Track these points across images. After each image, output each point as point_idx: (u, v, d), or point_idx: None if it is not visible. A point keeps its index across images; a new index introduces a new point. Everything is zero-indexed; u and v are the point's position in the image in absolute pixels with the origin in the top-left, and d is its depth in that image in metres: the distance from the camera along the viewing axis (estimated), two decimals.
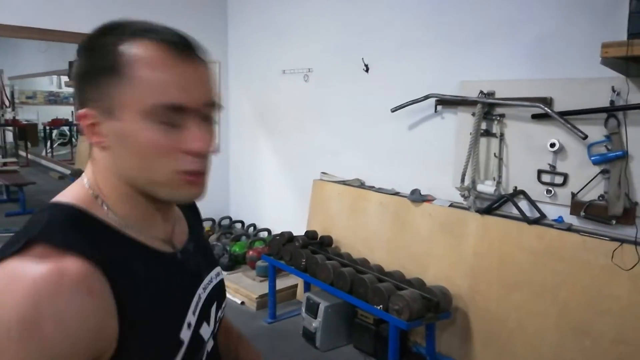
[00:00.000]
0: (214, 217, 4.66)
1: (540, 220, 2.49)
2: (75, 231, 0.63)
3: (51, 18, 3.70)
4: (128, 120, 0.65)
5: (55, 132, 10.39)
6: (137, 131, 0.65)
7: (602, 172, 2.27)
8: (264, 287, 3.61)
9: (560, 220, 2.43)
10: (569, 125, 2.30)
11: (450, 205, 2.86)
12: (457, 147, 2.85)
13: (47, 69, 9.51)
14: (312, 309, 3.08)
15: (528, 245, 2.48)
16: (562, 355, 2.32)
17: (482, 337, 2.65)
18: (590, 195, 2.33)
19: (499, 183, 2.67)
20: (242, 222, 4.70)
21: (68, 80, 7.79)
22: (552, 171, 2.46)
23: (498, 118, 2.65)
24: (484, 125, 2.70)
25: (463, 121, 2.81)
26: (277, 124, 4.24)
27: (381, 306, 2.61)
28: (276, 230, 4.07)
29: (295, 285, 3.77)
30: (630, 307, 2.12)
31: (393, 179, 3.28)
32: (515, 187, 2.61)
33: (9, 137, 10.22)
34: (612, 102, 2.20)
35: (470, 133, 2.71)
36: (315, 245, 3.34)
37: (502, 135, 2.65)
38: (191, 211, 0.89)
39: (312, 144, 3.90)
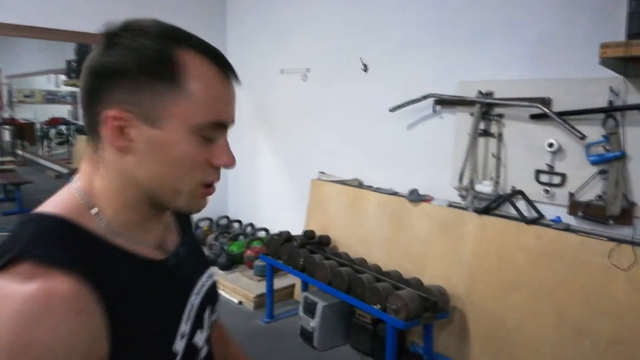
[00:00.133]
0: (211, 216, 4.66)
1: (538, 220, 2.49)
2: (62, 246, 0.60)
3: (51, 17, 3.70)
4: (170, 130, 0.63)
5: (52, 131, 10.36)
6: (177, 143, 0.64)
7: (600, 172, 2.27)
8: (261, 287, 3.60)
9: (558, 220, 2.44)
10: (567, 126, 2.30)
11: (449, 205, 2.86)
12: (455, 147, 2.85)
13: (45, 68, 9.49)
14: (310, 309, 3.08)
15: (526, 246, 2.48)
16: (560, 356, 2.32)
17: (480, 337, 2.65)
18: (588, 195, 2.33)
19: (497, 183, 2.67)
20: (240, 222, 4.70)
21: (66, 79, 7.76)
22: (550, 171, 2.46)
23: (496, 118, 2.65)
24: (482, 125, 2.71)
25: (462, 121, 2.81)
26: (276, 123, 4.23)
27: (379, 306, 2.60)
28: (274, 229, 4.07)
29: (293, 285, 3.77)
30: (628, 307, 2.12)
31: (391, 178, 3.28)
32: (513, 187, 2.62)
33: (7, 136, 10.19)
34: (610, 102, 2.20)
35: (469, 133, 2.71)
36: (313, 244, 3.34)
37: (500, 135, 2.65)
38: (181, 214, 0.86)
39: (311, 144, 3.90)
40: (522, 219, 2.51)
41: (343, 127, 3.62)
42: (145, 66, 0.62)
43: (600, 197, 2.28)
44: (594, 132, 2.27)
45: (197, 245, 0.90)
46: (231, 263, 4.01)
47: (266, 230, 4.36)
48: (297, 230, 3.60)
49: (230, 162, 0.69)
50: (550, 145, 2.42)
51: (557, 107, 2.39)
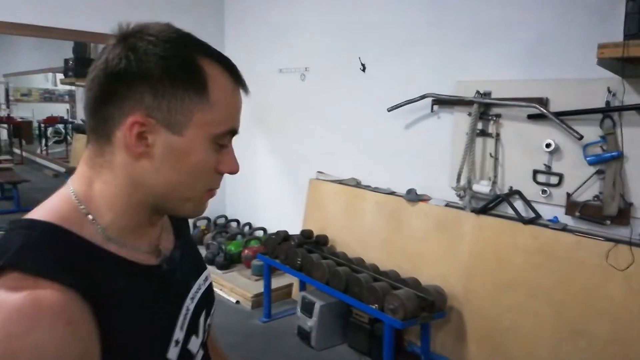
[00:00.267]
0: (209, 216, 4.65)
1: (535, 220, 2.50)
2: (52, 255, 0.59)
3: (48, 15, 3.68)
4: (190, 137, 0.64)
5: (50, 129, 10.34)
6: (196, 150, 0.65)
7: (597, 172, 2.28)
8: (259, 286, 3.60)
9: (555, 220, 2.44)
10: (564, 126, 2.30)
11: (446, 205, 2.87)
12: (453, 146, 2.85)
13: (43, 66, 9.47)
14: (307, 308, 3.08)
15: (523, 245, 2.49)
16: (557, 356, 2.33)
17: (477, 336, 2.65)
18: (585, 195, 2.33)
19: (494, 183, 2.67)
20: (238, 221, 4.69)
21: (64, 77, 7.75)
22: (548, 171, 2.46)
23: (494, 118, 2.65)
24: (480, 125, 2.71)
25: (459, 121, 2.81)
26: (274, 122, 4.23)
27: (376, 305, 2.61)
28: (272, 229, 4.06)
29: (291, 285, 3.76)
30: (625, 307, 2.13)
31: (389, 178, 3.28)
32: (511, 187, 2.62)
33: (4, 134, 10.17)
34: (607, 102, 2.21)
35: (467, 133, 2.71)
36: (311, 244, 3.34)
37: (498, 135, 2.65)
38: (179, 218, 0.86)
39: (309, 143, 3.90)
40: (520, 219, 2.52)
41: (341, 127, 3.62)
42: (172, 73, 0.62)
43: (597, 197, 2.28)
44: (591, 132, 2.28)
45: (193, 248, 0.89)
46: (229, 262, 4.01)
47: (264, 229, 4.36)
48: (294, 229, 3.60)
49: (237, 169, 0.70)
50: (548, 145, 2.43)
51: (554, 107, 2.40)
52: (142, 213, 0.68)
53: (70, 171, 6.53)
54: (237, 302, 3.65)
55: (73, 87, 9.23)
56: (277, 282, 3.67)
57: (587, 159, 2.28)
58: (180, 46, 0.64)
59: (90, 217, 0.65)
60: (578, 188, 2.34)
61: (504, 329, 2.53)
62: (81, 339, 0.56)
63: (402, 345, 2.97)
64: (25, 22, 3.61)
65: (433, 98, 2.92)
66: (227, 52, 4.61)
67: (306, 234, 3.47)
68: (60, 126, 10.27)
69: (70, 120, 10.08)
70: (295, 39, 3.93)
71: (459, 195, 2.78)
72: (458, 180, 2.76)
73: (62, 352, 0.54)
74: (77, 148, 7.51)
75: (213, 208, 4.71)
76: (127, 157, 0.64)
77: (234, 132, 0.69)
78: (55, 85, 10.60)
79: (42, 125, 10.27)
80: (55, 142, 10.34)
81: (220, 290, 3.72)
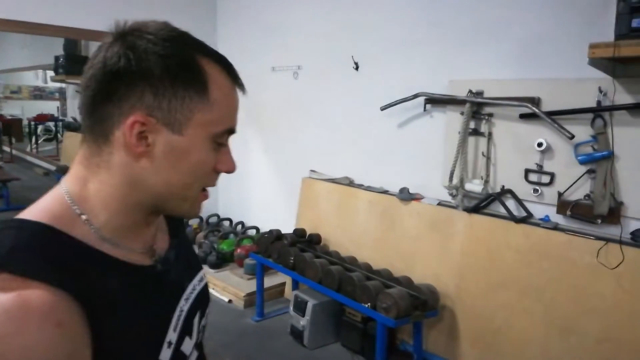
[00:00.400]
0: (201, 214, 4.63)
1: (527, 219, 2.51)
2: (42, 256, 0.58)
3: (38, 11, 3.64)
4: (191, 136, 0.64)
5: (40, 127, 10.25)
6: (196, 149, 0.65)
7: (588, 171, 2.29)
8: (251, 285, 3.59)
9: (546, 219, 2.46)
10: (556, 125, 2.32)
11: (439, 204, 2.87)
12: (445, 146, 2.86)
13: (33, 64, 9.38)
14: (300, 307, 3.08)
15: (515, 244, 2.50)
16: (548, 353, 2.35)
17: (469, 335, 2.67)
18: (577, 194, 2.35)
19: (486, 182, 2.68)
20: (230, 220, 4.68)
21: (55, 75, 7.68)
22: (539, 170, 2.48)
23: (486, 117, 2.66)
24: (472, 125, 2.72)
25: (452, 120, 2.82)
26: (266, 121, 4.22)
27: (369, 304, 2.61)
28: (264, 228, 4.05)
29: (283, 284, 3.76)
30: (615, 306, 2.15)
31: (382, 177, 3.28)
32: (503, 186, 2.63)
33: None
34: (598, 102, 2.22)
35: (459, 132, 2.72)
36: (304, 243, 3.34)
37: (490, 134, 2.66)
38: (173, 217, 0.85)
39: (302, 142, 3.90)
40: (511, 217, 2.53)
41: (334, 125, 3.62)
42: (172, 72, 0.62)
43: (588, 196, 2.30)
44: (582, 131, 2.29)
45: (189, 248, 0.89)
46: (221, 261, 3.99)
47: (256, 228, 4.35)
48: (287, 228, 3.59)
49: (234, 168, 0.71)
50: (540, 144, 2.44)
51: (546, 106, 2.41)
52: (139, 213, 0.68)
53: (61, 169, 6.48)
54: (230, 301, 3.64)
55: (64, 85, 9.15)
56: (269, 281, 3.66)
57: (578, 158, 2.30)
58: (180, 45, 0.64)
59: (83, 217, 0.64)
60: (569, 187, 2.36)
61: (496, 327, 2.54)
62: (70, 341, 0.55)
63: (395, 344, 2.98)
64: (16, 18, 3.57)
65: (426, 97, 2.92)
66: (220, 51, 4.59)
67: (299, 233, 3.46)
68: (51, 124, 10.19)
69: (60, 117, 9.99)
70: (287, 37, 3.92)
71: (451, 194, 2.79)
72: (450, 179, 2.76)
73: (51, 354, 0.53)
74: (68, 146, 7.45)
75: (205, 207, 4.67)
76: (126, 156, 0.63)
77: (232, 131, 0.69)
78: (46, 82, 10.51)
79: (32, 123, 10.17)
80: (46, 140, 10.25)
81: (213, 289, 3.71)
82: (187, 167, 0.65)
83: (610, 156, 2.20)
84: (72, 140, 7.30)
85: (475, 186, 2.70)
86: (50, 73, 8.66)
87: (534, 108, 2.39)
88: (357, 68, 3.39)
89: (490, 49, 2.66)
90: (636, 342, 2.07)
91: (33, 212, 0.63)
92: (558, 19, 2.39)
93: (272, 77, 4.05)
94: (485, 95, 2.65)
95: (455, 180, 2.75)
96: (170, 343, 0.69)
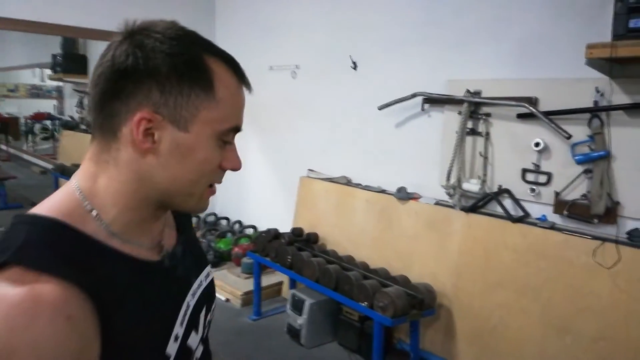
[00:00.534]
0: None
1: (524, 218, 2.52)
2: (54, 251, 0.59)
3: (36, 10, 3.63)
4: (196, 134, 0.65)
5: (37, 126, 10.21)
6: (201, 146, 0.66)
7: (585, 171, 2.30)
8: (249, 284, 3.59)
9: (543, 218, 2.46)
10: (553, 125, 2.33)
11: (436, 203, 2.88)
12: (443, 145, 2.87)
13: (30, 62, 9.35)
14: (297, 306, 3.08)
15: (512, 244, 2.51)
16: (544, 352, 2.35)
17: (466, 334, 2.67)
18: (574, 194, 2.36)
19: (484, 181, 2.69)
20: (228, 219, 4.68)
21: (52, 73, 7.66)
22: (536, 170, 2.48)
23: (484, 117, 2.67)
24: (470, 124, 2.72)
25: (450, 120, 2.82)
26: (264, 120, 4.22)
27: (366, 303, 2.61)
28: (262, 227, 4.05)
29: (281, 283, 3.76)
30: (611, 305, 2.15)
31: (380, 176, 3.29)
32: (500, 186, 2.64)
33: None
34: (595, 102, 2.23)
35: (456, 132, 2.73)
36: (301, 242, 3.34)
37: (487, 134, 2.67)
38: (181, 213, 0.86)
39: (299, 141, 3.90)
40: (509, 217, 2.54)
41: (332, 125, 3.62)
42: (179, 70, 0.63)
43: (585, 196, 2.31)
44: (579, 131, 2.30)
45: (196, 244, 0.90)
46: (219, 260, 3.99)
47: (254, 227, 4.35)
48: (285, 227, 3.59)
49: (239, 166, 0.72)
50: (537, 144, 2.45)
51: (543, 106, 2.42)
52: (147, 208, 0.69)
53: (58, 168, 6.47)
54: (227, 300, 3.64)
55: (61, 83, 9.13)
56: (267, 280, 3.67)
57: (575, 158, 2.30)
58: (187, 44, 0.65)
59: (94, 213, 0.65)
60: (566, 187, 2.37)
61: (493, 327, 2.55)
62: (81, 335, 0.56)
63: (392, 343, 2.98)
64: (13, 16, 3.56)
65: (423, 97, 2.93)
66: None
67: (297, 232, 3.47)
68: (48, 122, 10.16)
69: (58, 116, 9.96)
70: (285, 36, 3.92)
71: (448, 194, 2.79)
72: (448, 178, 2.77)
73: (61, 347, 0.54)
74: (65, 145, 7.42)
75: None
76: (133, 152, 0.65)
77: (237, 129, 0.70)
78: (43, 81, 10.47)
79: (29, 121, 10.14)
80: (43, 139, 10.22)
81: None
82: (192, 164, 0.66)
83: (607, 156, 2.21)
84: (69, 139, 7.27)
85: (472, 186, 2.71)
86: (48, 71, 8.64)
87: (531, 108, 2.40)
88: (355, 67, 3.39)
89: (488, 49, 2.66)
90: (632, 341, 2.08)
91: (45, 208, 0.64)
92: (556, 19, 2.39)
93: (269, 76, 4.05)
94: (483, 95, 2.66)
95: (452, 180, 2.76)
96: (177, 337, 0.71)
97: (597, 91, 2.22)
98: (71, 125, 7.68)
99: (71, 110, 8.26)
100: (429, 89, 2.90)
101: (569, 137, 2.30)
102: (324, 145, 3.69)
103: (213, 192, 0.73)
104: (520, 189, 2.55)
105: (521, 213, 2.54)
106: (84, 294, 0.58)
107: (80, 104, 7.52)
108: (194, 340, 0.76)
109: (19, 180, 6.84)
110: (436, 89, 2.87)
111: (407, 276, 2.81)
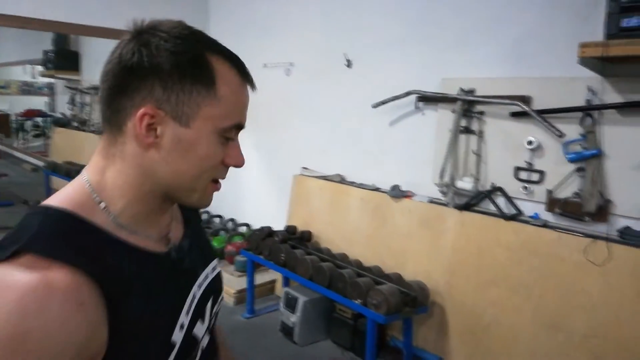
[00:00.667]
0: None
1: (516, 216, 2.53)
2: (65, 240, 0.62)
3: (27, 6, 3.60)
4: (197, 129, 0.67)
5: (28, 123, 10.13)
6: (203, 142, 0.68)
7: (578, 170, 2.32)
8: (242, 282, 3.59)
9: (536, 216, 2.48)
10: (546, 124, 2.34)
11: (430, 201, 2.89)
12: (437, 143, 2.87)
13: (21, 58, 9.26)
14: (291, 304, 3.08)
15: (505, 241, 2.52)
16: (536, 350, 2.37)
17: (459, 331, 2.69)
18: (566, 192, 2.37)
19: (477, 180, 2.70)
20: (221, 217, 4.67)
21: (43, 70, 7.59)
22: (529, 168, 2.50)
23: (478, 115, 2.68)
24: (463, 123, 2.73)
25: (443, 118, 2.83)
26: (258, 118, 4.20)
27: (359, 301, 2.62)
28: (256, 225, 4.05)
29: (274, 281, 3.76)
30: (602, 302, 2.17)
31: (374, 174, 3.29)
32: (493, 184, 2.65)
33: None
34: (588, 101, 2.25)
35: (450, 130, 2.74)
36: (295, 240, 3.34)
37: (481, 132, 2.68)
38: (188, 207, 0.88)
39: (293, 139, 3.89)
40: (501, 215, 2.55)
41: (326, 122, 3.62)
42: (181, 67, 0.65)
43: (577, 194, 2.32)
44: (572, 130, 2.31)
45: (203, 238, 0.93)
46: None
47: (247, 225, 4.34)
48: (279, 225, 3.59)
49: (242, 162, 0.74)
50: (530, 142, 2.46)
51: (537, 105, 2.43)
52: (153, 201, 0.71)
53: (49, 165, 6.42)
54: None
55: (53, 80, 9.05)
56: (260, 278, 3.66)
57: (568, 156, 2.32)
58: (191, 43, 0.67)
59: (102, 204, 0.68)
60: (559, 185, 2.38)
61: (486, 324, 2.57)
62: (90, 321, 0.59)
63: (385, 340, 2.99)
64: (4, 12, 3.52)
65: (417, 95, 2.93)
66: None
67: (290, 230, 3.46)
68: (39, 119, 10.08)
69: (49, 113, 9.89)
70: (280, 34, 3.91)
71: (442, 192, 2.80)
72: (441, 176, 2.78)
73: (72, 333, 0.57)
74: (57, 142, 7.36)
75: None
76: (137, 147, 0.67)
77: (240, 126, 0.72)
78: (34, 77, 10.39)
79: (20, 118, 10.05)
80: (34, 136, 10.14)
81: None
82: (194, 159, 0.68)
83: (599, 154, 2.22)
84: (61, 136, 7.21)
85: (465, 184, 2.72)
86: (39, 68, 8.57)
87: (524, 106, 2.41)
88: (349, 65, 3.39)
89: (482, 48, 2.67)
90: (623, 338, 2.10)
91: (57, 200, 0.67)
92: (549, 18, 2.40)
93: (263, 73, 4.03)
94: (477, 93, 2.67)
95: (446, 178, 2.76)
96: (182, 326, 0.73)
97: (590, 90, 2.23)
98: (63, 123, 7.62)
99: (63, 107, 8.19)
100: (424, 87, 2.90)
101: (561, 135, 2.31)
102: (318, 143, 3.69)
103: (217, 188, 0.75)
104: (513, 187, 2.56)
105: (514, 211, 2.56)
106: (93, 282, 0.60)
107: (72, 101, 7.46)
108: (200, 329, 0.78)
109: (10, 178, 6.80)
110: (430, 88, 2.88)
111: (401, 274, 2.81)
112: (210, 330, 0.84)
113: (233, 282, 3.67)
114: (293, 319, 3.05)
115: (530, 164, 2.49)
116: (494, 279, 2.55)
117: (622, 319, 2.11)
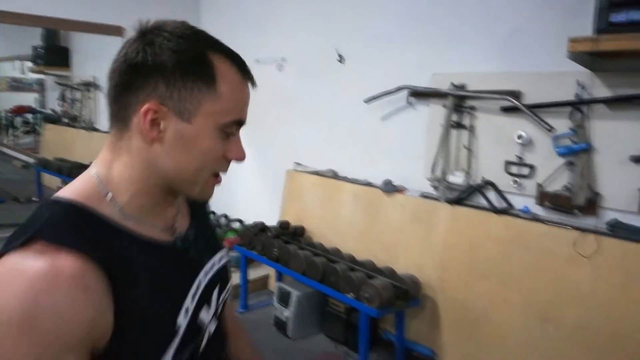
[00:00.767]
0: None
1: (507, 210, 2.56)
2: (73, 229, 0.66)
3: (15, 1, 3.56)
4: (198, 125, 0.71)
5: (18, 119, 10.02)
6: (204, 137, 0.71)
7: (567, 163, 2.34)
8: (235, 277, 3.59)
9: (526, 210, 2.50)
10: (536, 118, 2.36)
11: (422, 196, 2.90)
12: (428, 138, 2.89)
13: (10, 54, 9.15)
14: (284, 299, 3.09)
15: (496, 235, 2.54)
16: (527, 341, 2.40)
17: (450, 324, 2.71)
18: (555, 186, 2.40)
19: (468, 174, 2.72)
20: (214, 212, 4.66)
21: (33, 66, 7.51)
22: (520, 162, 2.52)
23: (469, 110, 2.69)
24: (455, 117, 2.75)
25: (435, 113, 2.84)
26: (251, 113, 4.18)
27: (352, 294, 2.63)
28: (248, 220, 4.05)
29: (267, 276, 3.77)
30: (591, 294, 2.20)
31: (366, 169, 3.30)
32: (484, 178, 2.67)
33: None
34: (577, 95, 2.27)
35: (441, 125, 2.75)
36: (288, 235, 3.35)
37: (472, 127, 2.70)
38: (195, 201, 0.92)
39: (286, 134, 3.89)
40: (492, 209, 2.57)
41: (319, 118, 3.62)
42: (183, 65, 0.69)
43: (567, 187, 2.35)
44: (562, 124, 2.34)
45: (210, 230, 0.98)
46: None
47: (240, 221, 4.34)
48: (271, 221, 3.59)
49: (243, 157, 0.78)
50: (520, 137, 2.48)
51: (527, 99, 2.45)
52: (157, 193, 0.75)
53: (40, 162, 6.35)
54: None
55: (43, 76, 8.96)
56: (253, 274, 3.67)
57: (558, 150, 2.34)
58: (193, 42, 0.71)
59: (109, 196, 0.72)
60: (548, 179, 2.41)
61: (476, 316, 2.59)
62: (95, 305, 0.63)
63: (378, 334, 3.01)
64: None
65: (409, 90, 2.94)
66: None
67: (283, 225, 3.47)
68: (29, 116, 9.97)
69: (39, 110, 9.79)
70: (272, 29, 3.90)
71: (434, 186, 2.82)
72: (433, 171, 2.80)
73: (78, 315, 0.61)
74: (48, 138, 7.30)
75: None
76: (142, 141, 0.71)
77: (240, 122, 0.76)
78: (24, 73, 10.28)
79: (10, 115, 9.94)
80: (24, 133, 10.03)
81: None
82: (195, 153, 0.72)
83: (588, 148, 2.25)
84: (52, 133, 7.15)
85: (457, 178, 2.73)
86: (29, 64, 8.47)
87: (514, 101, 2.43)
88: (341, 61, 3.40)
89: (473, 43, 2.68)
90: (611, 329, 2.13)
91: (67, 192, 0.72)
92: (539, 13, 2.42)
93: (255, 68, 3.99)
94: (468, 88, 2.68)
95: (437, 173, 2.78)
96: (187, 310, 0.76)
97: (579, 84, 2.25)
98: (53, 119, 7.55)
99: (53, 103, 8.11)
100: (415, 82, 2.91)
101: (550, 129, 2.33)
102: (311, 138, 3.69)
103: (218, 181, 0.78)
104: (504, 181, 2.59)
105: (505, 205, 2.58)
106: (99, 268, 0.64)
107: (62, 97, 7.39)
108: (206, 315, 0.81)
109: (0, 175, 6.72)
110: (422, 83, 2.89)
111: (393, 268, 2.83)
112: (218, 317, 0.87)
113: None
114: (286, 313, 3.06)
115: (520, 158, 2.51)
116: (485, 272, 2.57)
117: (610, 310, 2.14)
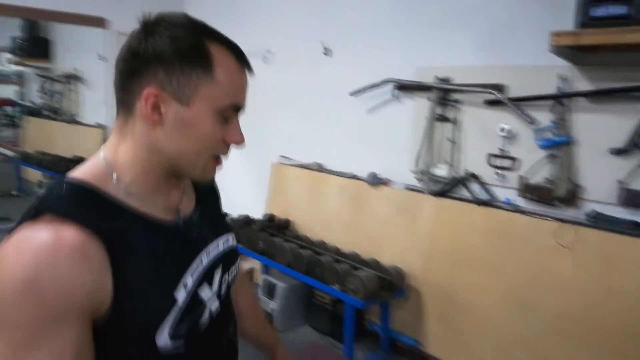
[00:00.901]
0: None
1: (490, 202, 2.59)
2: (79, 204, 0.72)
3: None
4: (197, 109, 0.75)
5: None
6: (202, 120, 0.76)
7: (549, 156, 2.38)
8: None
9: (508, 201, 2.54)
10: (518, 111, 2.39)
11: (407, 188, 2.93)
12: (413, 131, 2.91)
13: None
14: (270, 291, 3.10)
15: (478, 226, 2.58)
16: (508, 330, 2.45)
17: (434, 314, 2.75)
18: (537, 178, 2.44)
19: (452, 166, 2.75)
20: None
21: (12, 57, 7.35)
22: (502, 155, 2.55)
23: (453, 103, 2.72)
24: (439, 110, 2.77)
25: (420, 106, 2.87)
26: None
27: (338, 286, 2.65)
28: (234, 213, 4.04)
29: (253, 269, 3.77)
30: (571, 283, 2.25)
31: (351, 162, 3.32)
32: (467, 170, 2.70)
33: None
34: (559, 89, 2.30)
35: (426, 118, 2.77)
36: (274, 228, 3.35)
37: (456, 120, 2.72)
38: (206, 185, 0.98)
39: (271, 127, 3.88)
40: (475, 201, 2.61)
41: (304, 111, 3.62)
42: (181, 53, 0.74)
43: (548, 179, 2.39)
44: (544, 117, 2.37)
45: (217, 214, 1.03)
46: None
47: (226, 214, 4.32)
48: (257, 214, 3.59)
49: (242, 141, 0.82)
50: (503, 130, 2.52)
51: (511, 93, 2.48)
52: (160, 175, 0.80)
53: (22, 156, 6.24)
54: None
55: (23, 68, 8.79)
56: None
57: (539, 143, 2.38)
58: (190, 30, 0.75)
59: (114, 176, 0.77)
60: (530, 171, 2.45)
61: (459, 306, 2.63)
62: (93, 272, 0.68)
63: (363, 325, 3.04)
64: None
65: (394, 83, 2.96)
66: None
67: (269, 218, 3.47)
68: (9, 109, 9.78)
69: (19, 102, 9.60)
70: (256, 21, 3.88)
71: (418, 179, 2.85)
72: (417, 164, 2.82)
73: (76, 280, 0.66)
74: (30, 131, 7.18)
75: None
76: (144, 125, 0.76)
77: (237, 107, 0.80)
78: (2, 64, 10.06)
79: None
80: (4, 126, 9.84)
81: None
82: (194, 136, 0.76)
83: (569, 141, 2.29)
84: (33, 126, 7.03)
85: (441, 171, 2.76)
86: (7, 55, 8.29)
87: (497, 94, 2.46)
88: (327, 53, 3.40)
89: (457, 36, 2.71)
90: (590, 316, 2.19)
91: (77, 172, 0.78)
92: (522, 7, 2.45)
93: None
94: (452, 81, 2.71)
95: (422, 165, 2.81)
96: (186, 285, 0.80)
97: (561, 78, 2.29)
98: (35, 111, 7.41)
99: (33, 95, 7.97)
100: (401, 75, 2.93)
101: (532, 122, 2.37)
102: (296, 131, 3.69)
103: (219, 164, 0.83)
104: (487, 174, 2.62)
105: (487, 197, 2.62)
106: (100, 240, 0.70)
107: (42, 89, 7.26)
108: (206, 293, 0.84)
109: None
110: (407, 76, 2.91)
111: (378, 259, 2.86)
112: (222, 300, 0.90)
113: None
114: (272, 305, 3.07)
115: (503, 150, 2.55)
116: (467, 262, 2.61)
117: (589, 299, 2.20)
